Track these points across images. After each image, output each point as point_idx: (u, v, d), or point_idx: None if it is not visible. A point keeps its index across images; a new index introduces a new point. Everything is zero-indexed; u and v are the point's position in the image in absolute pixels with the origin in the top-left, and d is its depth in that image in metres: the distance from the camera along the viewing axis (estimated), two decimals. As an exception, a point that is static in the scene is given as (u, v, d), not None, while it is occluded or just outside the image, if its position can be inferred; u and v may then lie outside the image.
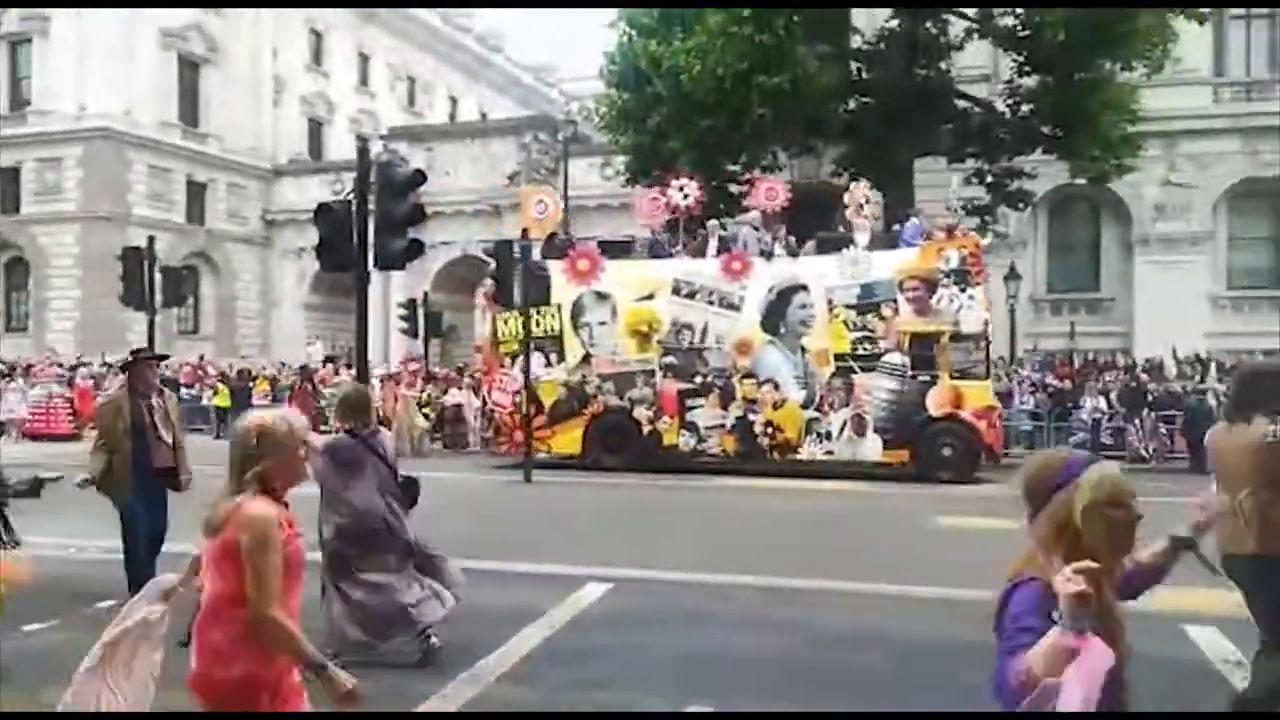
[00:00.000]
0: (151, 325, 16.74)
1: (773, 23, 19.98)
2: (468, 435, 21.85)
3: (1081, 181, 24.92)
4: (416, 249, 9.65)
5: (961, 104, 23.72)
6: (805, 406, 16.54)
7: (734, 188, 23.09)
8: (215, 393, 25.76)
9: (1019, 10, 21.94)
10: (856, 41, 24.16)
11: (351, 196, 9.37)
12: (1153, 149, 25.64)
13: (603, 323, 17.42)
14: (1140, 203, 28.92)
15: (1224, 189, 28.84)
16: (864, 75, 23.79)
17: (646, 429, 17.15)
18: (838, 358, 16.37)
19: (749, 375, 16.76)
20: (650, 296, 17.16)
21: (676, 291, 17.05)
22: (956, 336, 16.00)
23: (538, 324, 17.27)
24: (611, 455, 17.07)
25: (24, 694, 5.30)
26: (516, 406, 17.36)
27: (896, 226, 17.44)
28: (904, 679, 5.95)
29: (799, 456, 16.62)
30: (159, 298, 16.69)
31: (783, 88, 20.24)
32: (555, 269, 17.61)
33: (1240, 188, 28.85)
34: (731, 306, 16.86)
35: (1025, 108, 22.91)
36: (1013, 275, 25.87)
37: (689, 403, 17.04)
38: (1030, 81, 22.74)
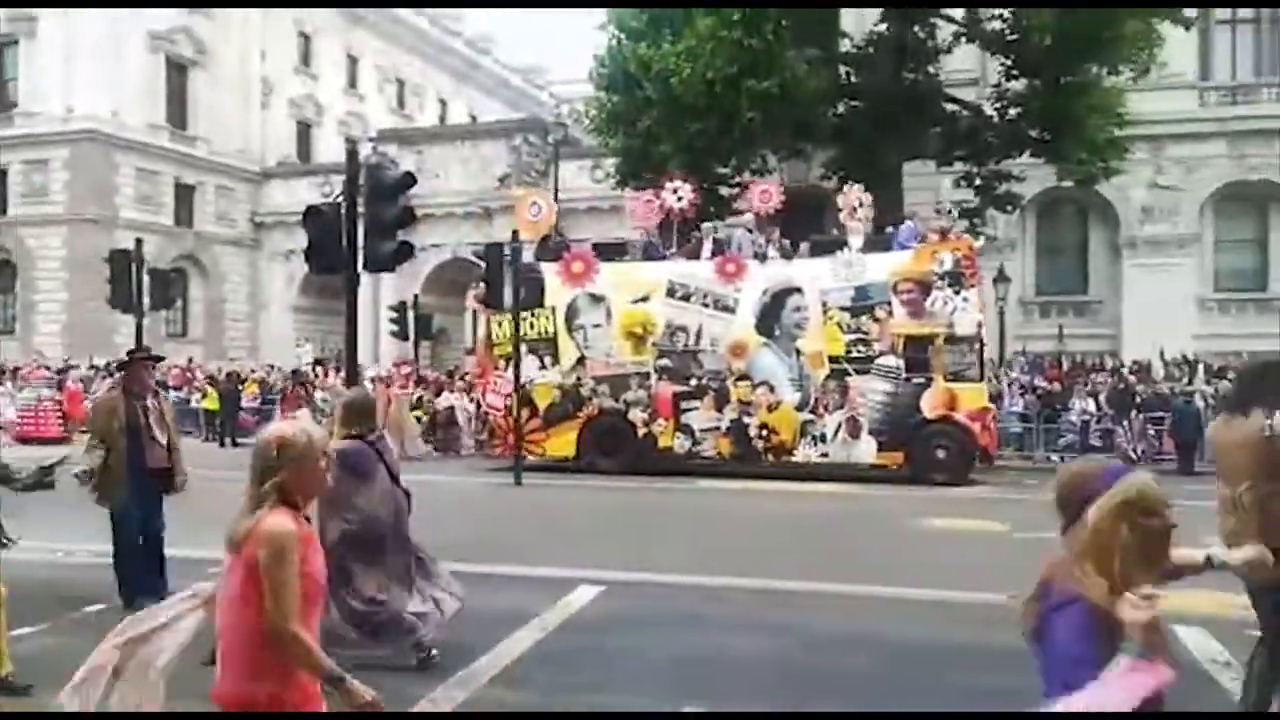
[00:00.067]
0: (139, 328, 16.69)
1: (762, 27, 20.05)
2: (460, 439, 21.82)
3: (1069, 184, 25.06)
4: (406, 251, 9.65)
5: (950, 107, 23.83)
6: (800, 409, 16.57)
7: (724, 191, 23.14)
8: (204, 395, 25.66)
9: (1007, 14, 22.05)
10: (845, 45, 24.24)
11: (341, 199, 9.35)
12: (1140, 152, 25.78)
13: (597, 325, 17.42)
14: (1127, 205, 29.07)
15: (1210, 192, 29.02)
16: (853, 79, 23.86)
17: (641, 431, 17.15)
18: (832, 360, 16.41)
19: (744, 377, 16.78)
20: (645, 299, 17.17)
21: (671, 294, 17.07)
22: (951, 339, 16.07)
23: (532, 326, 17.27)
24: (606, 458, 17.07)
25: (15, 697, 5.30)
26: (502, 408, 17.36)
27: (890, 229, 17.51)
28: (898, 681, 5.97)
29: (794, 459, 16.63)
30: (147, 300, 16.65)
31: (772, 91, 20.30)
32: (550, 271, 17.61)
33: (1226, 191, 29.03)
34: (726, 309, 16.88)
35: (1013, 111, 23.02)
36: (1001, 278, 25.97)
37: (684, 405, 17.06)
38: (1018, 85, 22.86)
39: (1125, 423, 20.08)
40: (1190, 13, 22.06)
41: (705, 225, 18.58)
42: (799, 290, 16.63)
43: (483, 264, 17.15)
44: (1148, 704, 2.10)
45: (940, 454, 16.03)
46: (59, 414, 23.89)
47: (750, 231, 17.68)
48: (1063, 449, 19.79)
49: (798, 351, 16.62)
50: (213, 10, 38.15)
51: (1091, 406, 20.41)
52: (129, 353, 8.13)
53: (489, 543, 10.15)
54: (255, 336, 40.11)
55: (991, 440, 16.50)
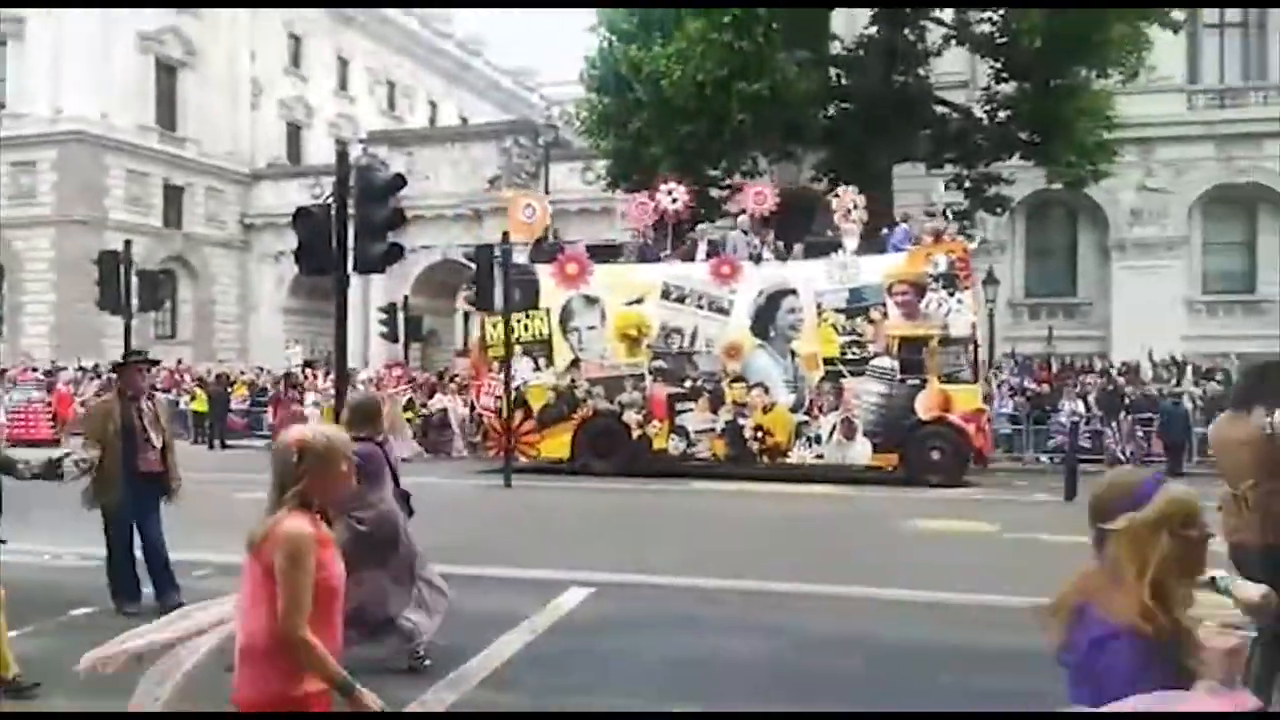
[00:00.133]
0: (128, 329, 16.61)
1: (752, 29, 20.08)
2: (452, 441, 21.79)
3: (1058, 187, 25.16)
4: (396, 253, 9.61)
5: (940, 110, 23.91)
6: (795, 410, 16.61)
7: (715, 193, 23.15)
8: (193, 398, 25.58)
9: (996, 17, 22.14)
10: (835, 48, 24.31)
11: (331, 200, 9.32)
12: (1128, 155, 25.89)
13: (592, 327, 17.43)
14: (1116, 208, 29.19)
15: (1198, 194, 29.16)
16: (843, 81, 23.92)
17: (636, 433, 17.16)
18: (827, 362, 16.45)
19: (739, 379, 16.81)
20: (639, 300, 17.18)
21: (666, 295, 17.08)
22: (945, 340, 16.12)
23: (527, 328, 17.28)
24: (601, 459, 17.08)
25: (21, 698, 5.31)
26: (493, 410, 17.35)
27: (885, 231, 17.57)
28: (891, 682, 5.98)
29: (789, 460, 16.66)
30: (135, 302, 16.57)
31: (762, 94, 20.34)
32: (544, 273, 17.61)
33: (1214, 193, 29.18)
34: (721, 310, 16.90)
35: (1003, 114, 23.11)
36: (991, 280, 26.05)
37: (679, 407, 17.08)
38: (1008, 88, 22.95)
39: (1114, 424, 20.17)
40: (1178, 16, 22.17)
41: (700, 227, 18.61)
42: (794, 292, 16.67)
43: (473, 266, 17.10)
44: None
45: (935, 455, 16.08)
46: (49, 416, 23.78)
47: (745, 233, 17.70)
48: (1052, 450, 19.87)
49: (793, 353, 16.66)
50: (202, 11, 38.00)
51: (1081, 408, 20.49)
52: (124, 355, 8.07)
53: (479, 544, 10.13)
54: (245, 338, 39.98)
55: (986, 441, 16.56)
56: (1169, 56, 25.63)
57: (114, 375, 7.81)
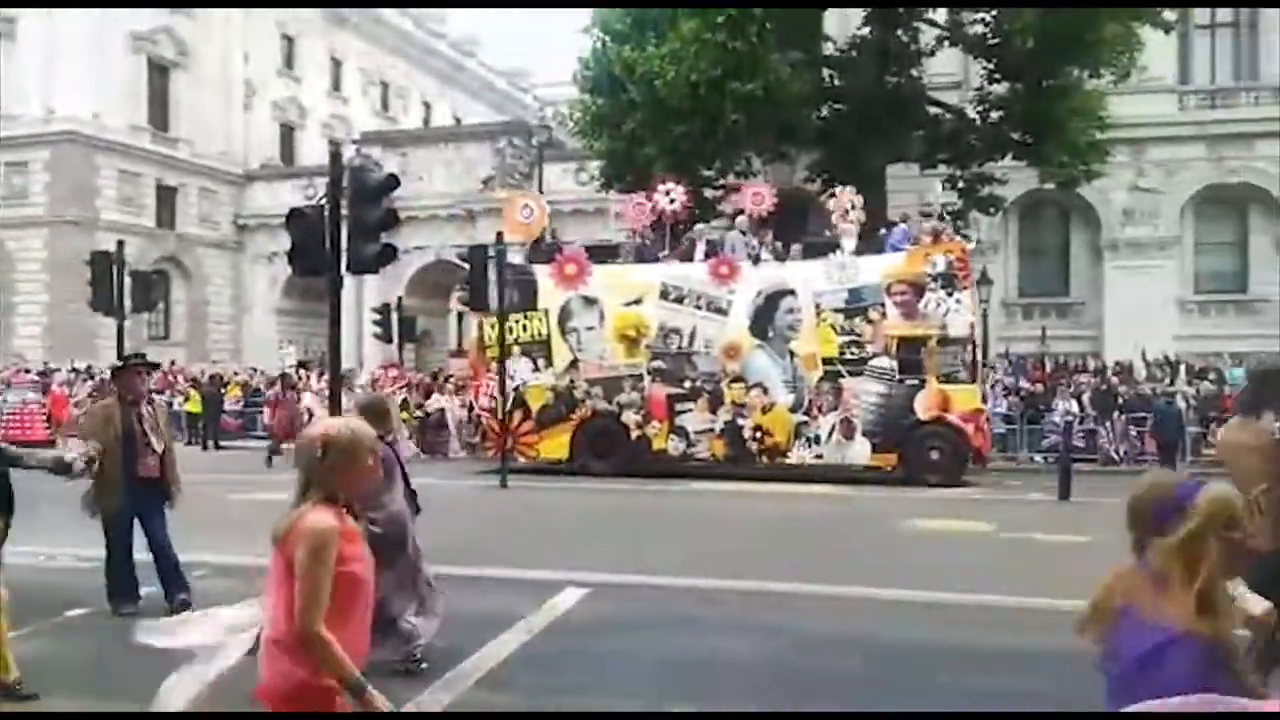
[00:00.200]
0: (121, 330, 16.57)
1: (746, 29, 20.10)
2: (448, 441, 21.78)
3: (1051, 187, 25.22)
4: (389, 254, 9.62)
5: (933, 110, 23.95)
6: (794, 410, 16.61)
7: (709, 193, 23.17)
8: (186, 399, 25.54)
9: (989, 18, 22.19)
10: (829, 49, 24.34)
11: (324, 201, 9.32)
12: (1120, 155, 25.96)
13: (590, 327, 17.43)
14: (1109, 208, 29.28)
15: (1190, 195, 29.26)
16: (836, 82, 23.95)
17: (635, 434, 17.16)
18: (826, 362, 16.46)
19: (738, 379, 16.81)
20: (638, 301, 17.18)
21: (664, 296, 17.09)
22: (944, 340, 16.12)
23: (525, 329, 17.27)
24: (600, 460, 17.08)
25: (22, 704, 5.31)
26: (489, 411, 17.33)
27: (883, 231, 17.61)
28: (890, 682, 5.99)
29: (788, 460, 16.66)
30: (128, 303, 16.54)
31: (756, 94, 20.35)
32: (542, 274, 17.61)
33: (1206, 193, 29.28)
34: (719, 311, 16.90)
35: (995, 114, 23.16)
36: (984, 280, 26.09)
37: (678, 407, 17.08)
38: (1000, 89, 23.00)
39: (1108, 423, 20.22)
40: (1170, 16, 22.25)
41: (698, 227, 18.63)
42: (792, 292, 16.68)
43: (466, 266, 17.10)
44: None
45: (934, 455, 16.10)
46: (44, 417, 23.71)
47: (743, 234, 17.72)
48: (1046, 450, 19.91)
49: (791, 353, 16.67)
50: (194, 11, 37.92)
51: (1074, 407, 20.53)
52: (123, 359, 8.01)
53: (477, 545, 10.12)
54: (238, 339, 39.90)
55: (985, 441, 16.60)
56: (1160, 57, 25.72)
57: (112, 378, 7.72)
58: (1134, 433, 20.10)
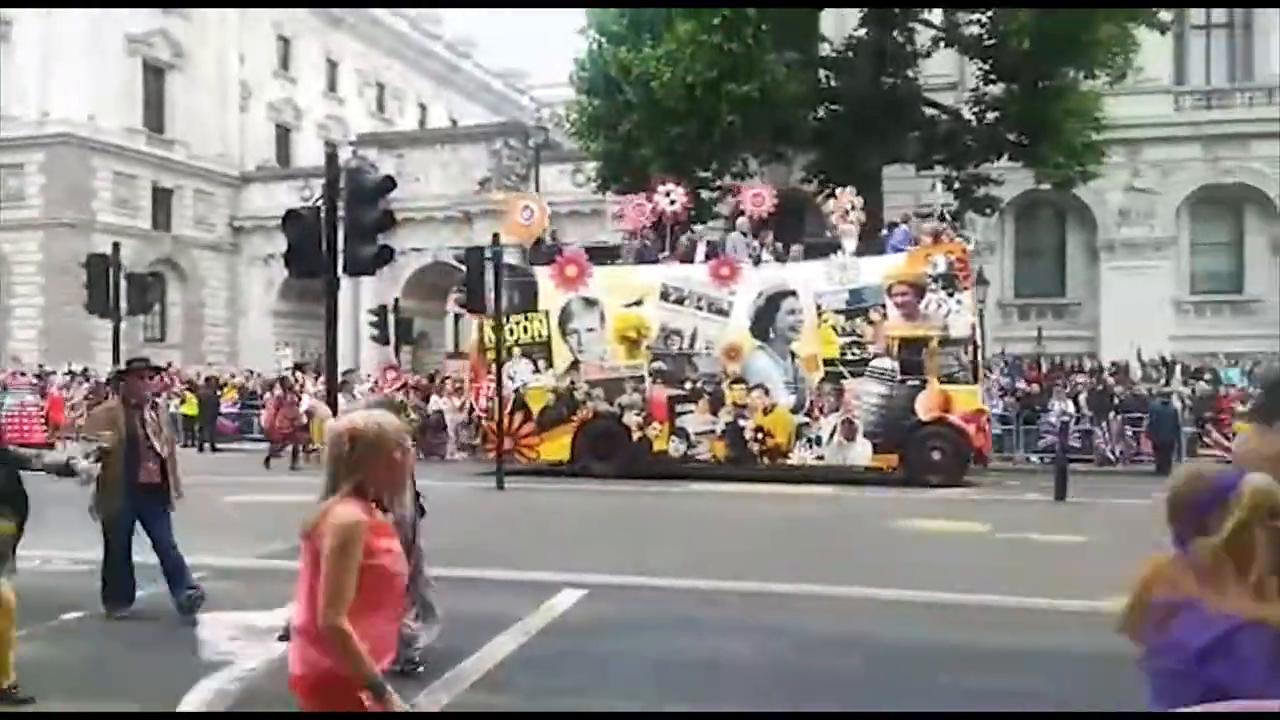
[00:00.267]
0: (117, 333, 16.52)
1: (742, 31, 20.11)
2: (446, 443, 21.77)
3: (1047, 188, 25.25)
4: (386, 255, 9.60)
5: (929, 111, 23.97)
6: (795, 411, 16.63)
7: (705, 194, 23.17)
8: (182, 401, 25.48)
9: (985, 19, 22.21)
10: (825, 50, 24.35)
11: (320, 203, 9.30)
12: (1116, 156, 25.99)
13: (591, 329, 17.43)
14: (1104, 208, 29.30)
15: (1186, 195, 29.29)
16: (832, 83, 23.97)
17: (636, 435, 17.16)
18: (827, 363, 16.48)
19: (739, 380, 16.82)
20: (639, 302, 17.19)
21: (665, 297, 17.09)
22: (945, 341, 16.15)
23: (526, 330, 17.26)
24: (601, 461, 17.08)
25: (17, 707, 5.30)
26: (486, 412, 17.32)
27: (884, 232, 17.62)
28: (890, 682, 5.99)
29: (789, 461, 16.67)
30: (124, 305, 16.47)
31: (752, 95, 20.36)
32: (543, 275, 17.60)
33: (1201, 194, 29.31)
34: (720, 312, 16.92)
35: (991, 115, 23.19)
36: (980, 280, 26.07)
37: (679, 408, 17.09)
38: (996, 89, 23.02)
39: (1103, 424, 20.25)
40: (1166, 17, 22.29)
41: (696, 228, 18.64)
42: (793, 293, 16.70)
43: (463, 268, 17.08)
44: None
45: (935, 456, 16.13)
46: (42, 419, 23.65)
47: (744, 235, 17.73)
48: (1042, 450, 19.94)
49: (793, 354, 16.69)
50: (190, 12, 37.88)
51: (1070, 408, 20.57)
52: (127, 362, 7.97)
53: (469, 546, 10.09)
54: (234, 341, 39.84)
55: (986, 442, 16.64)
56: (1156, 58, 25.76)
57: (117, 381, 7.68)
58: (1130, 433, 20.12)
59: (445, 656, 6.11)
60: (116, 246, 16.82)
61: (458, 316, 37.59)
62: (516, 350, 17.43)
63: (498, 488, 15.49)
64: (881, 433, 16.29)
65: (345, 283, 9.77)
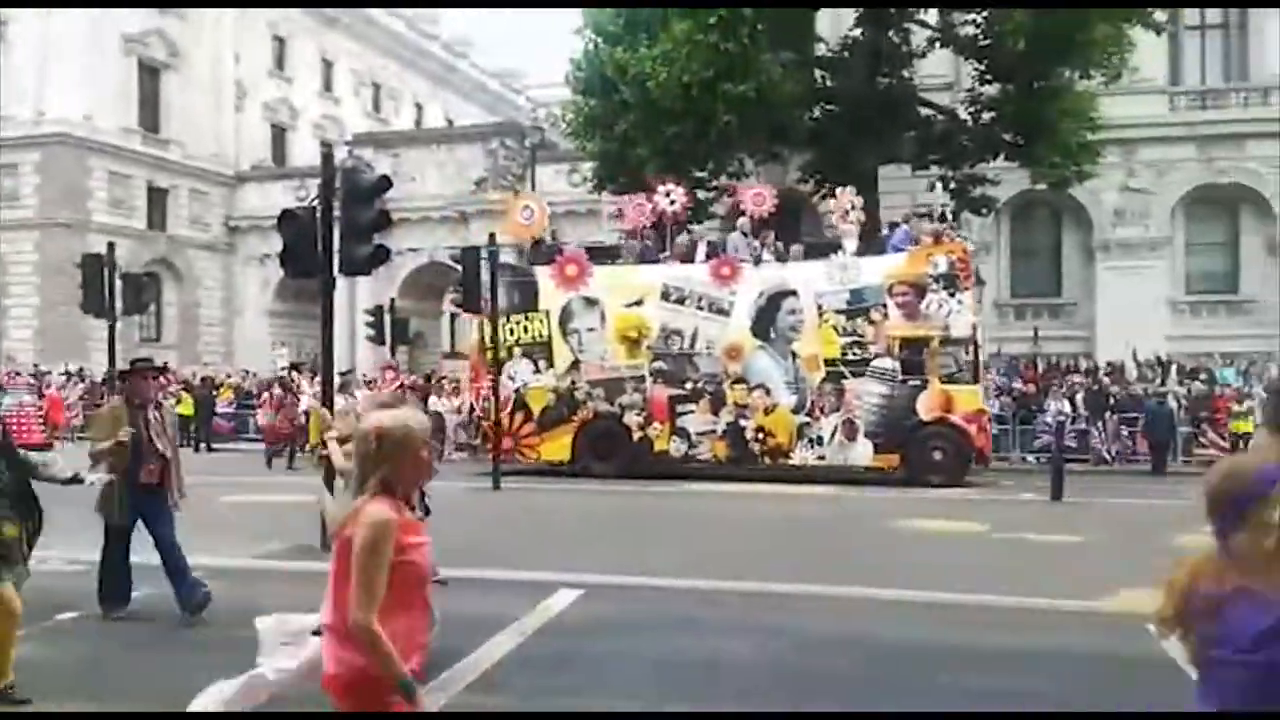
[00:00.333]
0: (112, 333, 16.51)
1: (738, 30, 20.11)
2: (444, 445, 21.72)
3: (1042, 188, 25.30)
4: (382, 255, 9.61)
5: (924, 112, 24.00)
6: (796, 411, 16.65)
7: (701, 194, 23.17)
8: (178, 401, 25.40)
9: (980, 19, 22.23)
10: (821, 50, 24.36)
11: (316, 203, 9.30)
12: (1111, 156, 26.03)
13: (591, 329, 17.42)
14: (1100, 208, 29.35)
15: (1180, 195, 29.35)
16: (828, 83, 23.98)
17: (637, 435, 17.16)
18: (828, 363, 16.49)
19: (740, 380, 16.82)
20: (639, 302, 17.19)
21: (666, 297, 17.09)
22: (946, 341, 16.17)
23: (526, 330, 17.24)
24: (601, 462, 17.08)
25: (14, 708, 5.29)
26: (485, 412, 17.31)
27: (885, 232, 17.63)
28: (890, 682, 5.99)
29: (790, 461, 16.68)
30: (120, 305, 16.47)
31: (748, 95, 20.37)
32: (543, 275, 17.59)
33: (1196, 194, 29.37)
34: (721, 311, 16.92)
35: (987, 115, 23.21)
36: (977, 280, 26.12)
37: (679, 408, 17.09)
38: (991, 90, 23.05)
39: (1099, 423, 20.28)
40: (1161, 17, 22.32)
41: (695, 228, 18.64)
42: (794, 293, 16.72)
43: (459, 268, 17.07)
44: None
45: (936, 456, 16.15)
46: (41, 419, 23.60)
47: (745, 235, 17.73)
48: (1038, 450, 19.96)
49: (793, 354, 16.70)
50: (185, 12, 37.80)
51: (1066, 408, 20.59)
52: (131, 362, 7.93)
53: (465, 547, 10.06)
54: (230, 341, 39.79)
55: (987, 442, 16.67)
56: (1151, 58, 25.81)
57: (120, 382, 7.65)
58: (1126, 433, 20.15)
59: (442, 656, 6.08)
60: (111, 246, 16.80)
61: (454, 316, 37.57)
62: (517, 350, 17.42)
63: (494, 488, 15.46)
64: (883, 433, 16.30)
65: (341, 282, 9.77)
